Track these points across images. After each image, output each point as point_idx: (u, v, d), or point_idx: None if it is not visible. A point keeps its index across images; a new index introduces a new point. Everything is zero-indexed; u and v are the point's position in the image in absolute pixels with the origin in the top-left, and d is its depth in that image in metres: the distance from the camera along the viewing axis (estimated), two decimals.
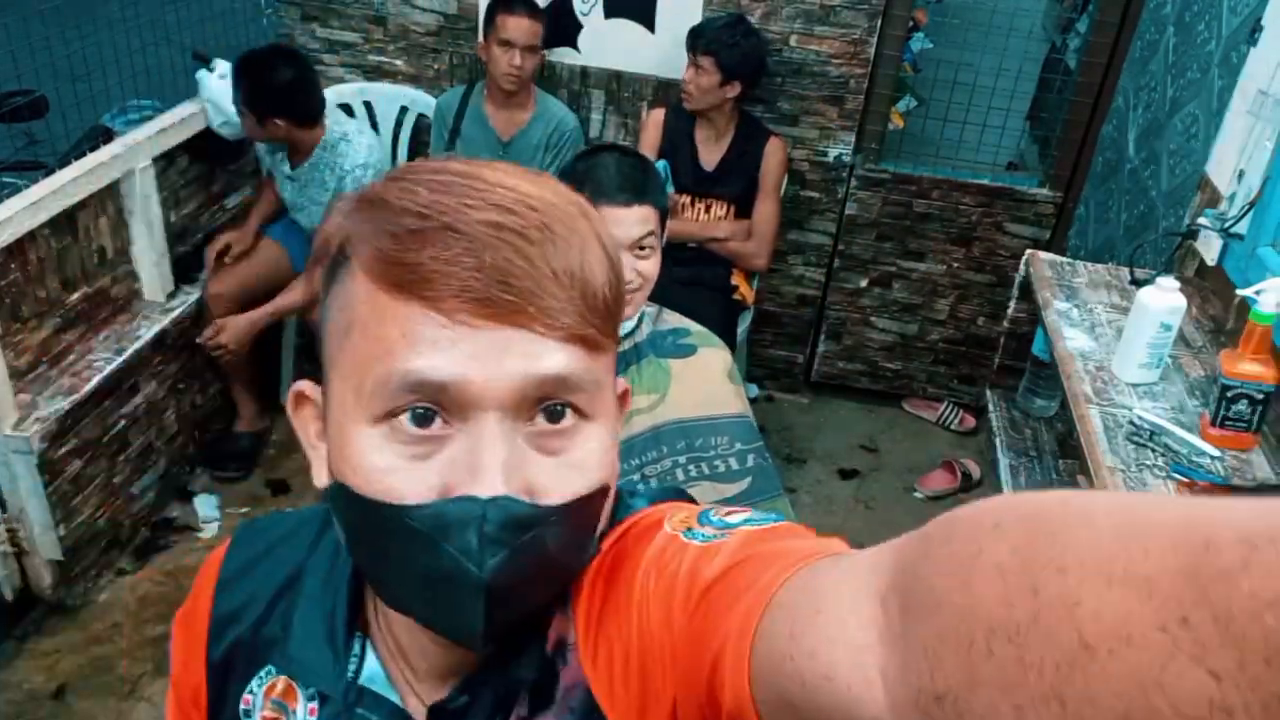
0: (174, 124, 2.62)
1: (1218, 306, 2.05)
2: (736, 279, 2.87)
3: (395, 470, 0.54)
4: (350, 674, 0.66)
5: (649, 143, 2.82)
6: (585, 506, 0.57)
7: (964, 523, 0.36)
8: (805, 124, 3.00)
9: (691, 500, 0.68)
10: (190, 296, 2.69)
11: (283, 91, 2.54)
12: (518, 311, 0.52)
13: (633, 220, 1.49)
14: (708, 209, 2.85)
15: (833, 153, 3.02)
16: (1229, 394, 1.60)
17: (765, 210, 2.79)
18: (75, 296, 2.40)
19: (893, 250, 3.18)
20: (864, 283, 3.24)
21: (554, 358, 0.54)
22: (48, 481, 2.26)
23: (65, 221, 2.32)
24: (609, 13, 2.95)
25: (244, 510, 2.76)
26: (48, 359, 2.34)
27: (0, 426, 2.15)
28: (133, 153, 2.47)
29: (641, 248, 1.50)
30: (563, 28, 2.98)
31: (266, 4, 3.12)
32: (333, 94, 2.94)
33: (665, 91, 2.97)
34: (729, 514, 0.61)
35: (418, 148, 3.16)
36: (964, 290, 3.20)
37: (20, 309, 2.24)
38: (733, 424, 1.63)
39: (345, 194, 0.67)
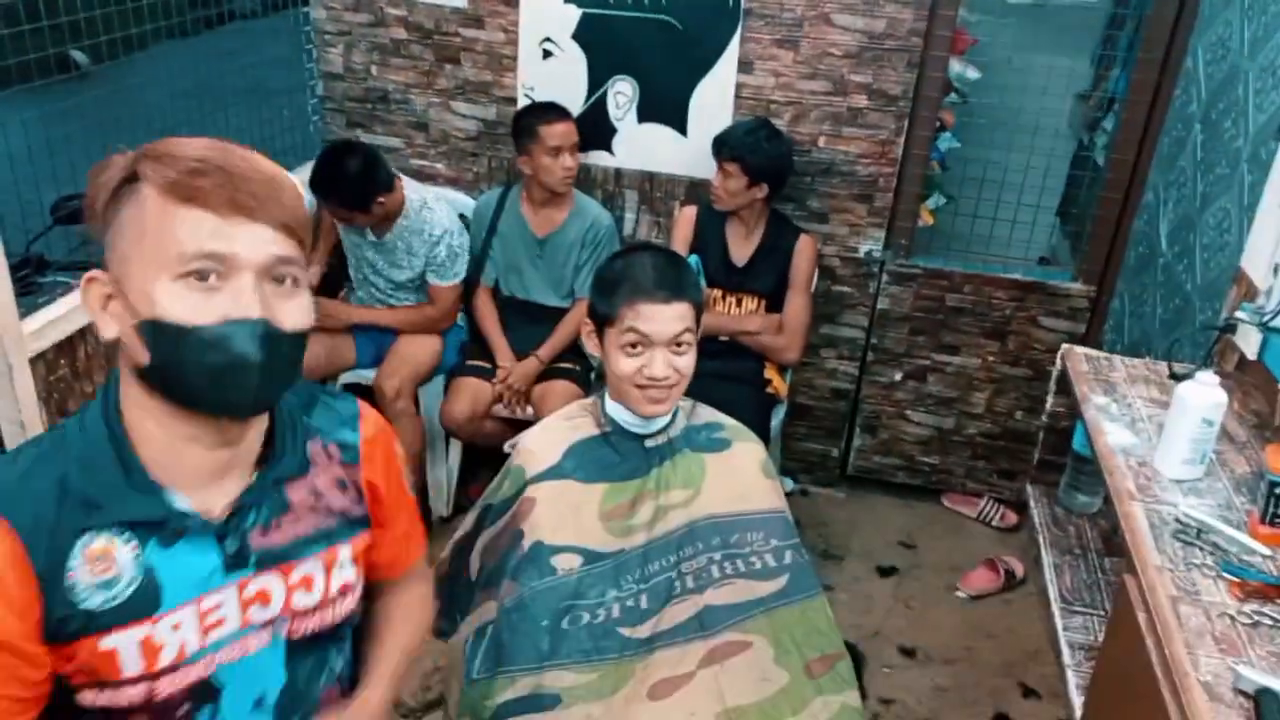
0: None
1: (1260, 401, 2.02)
2: (770, 372, 2.88)
3: (192, 306, 0.93)
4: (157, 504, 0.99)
5: (681, 239, 2.87)
6: (301, 338, 0.99)
7: None
8: (835, 221, 3.05)
9: None
10: None
11: (361, 178, 2.69)
12: (257, 216, 0.95)
13: (670, 317, 1.50)
14: (739, 303, 2.87)
15: (863, 248, 3.06)
16: (1277, 491, 1.56)
17: (796, 305, 2.81)
18: None
19: (926, 344, 3.18)
20: (898, 376, 3.23)
21: (281, 244, 0.97)
22: None
23: None
24: (642, 118, 3.04)
25: None
26: None
27: None
28: None
29: (679, 344, 1.51)
30: (598, 132, 3.07)
31: (314, 110, 3.26)
32: None
33: (696, 191, 3.04)
34: None
35: None
36: (1000, 384, 3.18)
37: (67, 404, 2.28)
38: (768, 520, 1.62)
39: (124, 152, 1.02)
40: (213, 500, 1.03)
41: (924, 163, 3.00)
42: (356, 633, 1.22)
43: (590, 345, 1.59)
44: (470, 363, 2.95)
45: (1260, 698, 1.27)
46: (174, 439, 1.00)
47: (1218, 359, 2.16)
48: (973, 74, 3.08)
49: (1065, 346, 2.24)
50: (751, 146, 2.68)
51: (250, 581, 1.05)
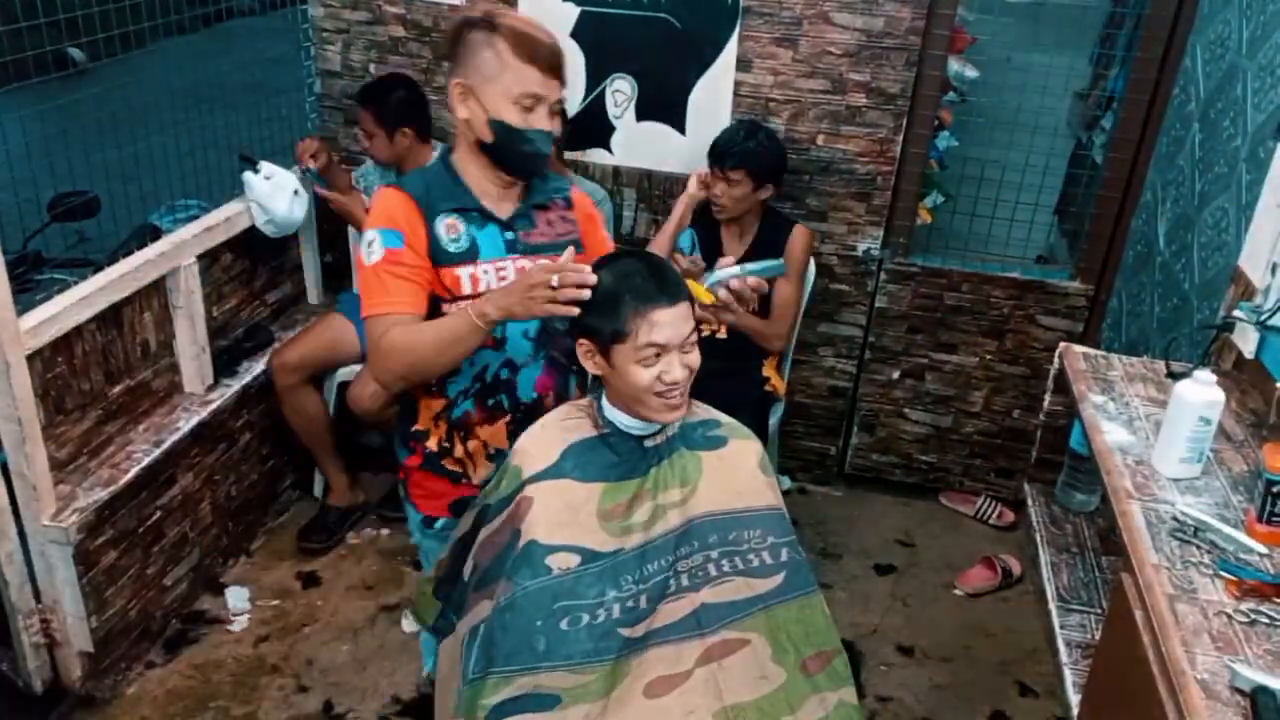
0: (219, 223, 2.71)
1: (1257, 399, 2.02)
2: (768, 371, 2.88)
3: (521, 118, 1.70)
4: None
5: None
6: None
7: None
8: (833, 219, 3.05)
9: None
10: (229, 389, 2.74)
11: (405, 104, 2.85)
12: (558, 75, 1.73)
13: (679, 318, 1.51)
14: None
15: (861, 247, 3.06)
16: (1275, 489, 1.56)
17: (785, 292, 2.80)
18: (118, 389, 2.45)
19: (924, 342, 3.18)
20: (896, 374, 3.23)
21: (561, 91, 1.75)
22: (82, 572, 2.27)
23: (112, 316, 2.38)
24: (640, 116, 3.04)
25: (274, 602, 2.76)
26: (88, 450, 2.38)
27: (39, 517, 2.18)
28: (179, 250, 2.55)
29: (688, 343, 1.52)
30: (597, 130, 3.07)
31: (312, 108, 3.25)
32: None
33: None
34: None
35: None
36: (998, 383, 3.18)
37: (64, 401, 2.28)
38: (765, 517, 1.62)
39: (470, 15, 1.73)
40: (502, 210, 1.80)
41: (922, 161, 3.00)
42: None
43: (591, 365, 1.58)
44: None
45: (1257, 695, 1.27)
46: (485, 178, 1.78)
47: (1215, 358, 2.17)
48: (971, 73, 3.08)
49: (1063, 345, 2.24)
50: (755, 150, 2.67)
51: (520, 259, 1.78)
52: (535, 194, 1.84)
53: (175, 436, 2.52)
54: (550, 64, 1.69)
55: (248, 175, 2.79)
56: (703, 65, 2.94)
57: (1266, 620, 1.42)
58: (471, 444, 1.86)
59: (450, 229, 1.73)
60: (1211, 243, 2.35)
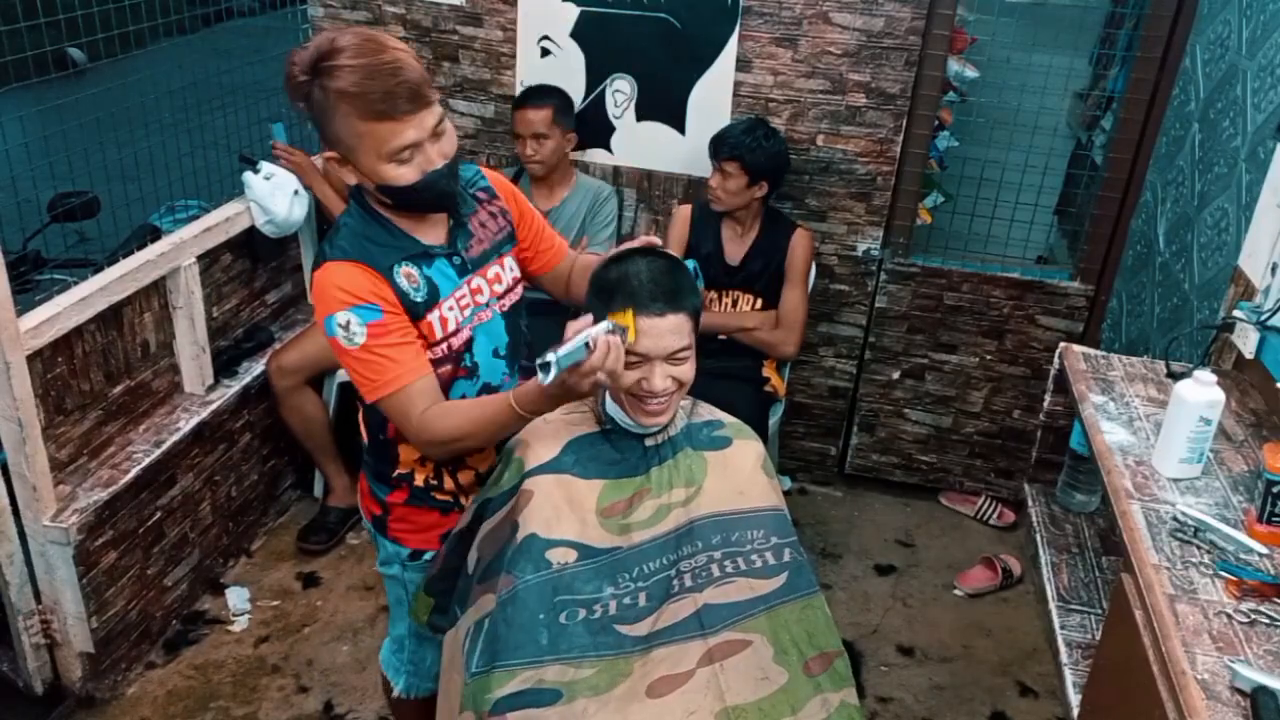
0: (219, 223, 2.71)
1: (1257, 399, 2.02)
2: (768, 370, 2.88)
3: (407, 171, 1.51)
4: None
5: (676, 237, 2.87)
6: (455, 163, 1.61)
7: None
8: (833, 219, 3.05)
9: None
10: (229, 389, 2.74)
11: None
12: (422, 103, 1.49)
13: (667, 330, 1.48)
14: (734, 303, 2.87)
15: (861, 247, 3.06)
16: (1275, 489, 1.57)
17: (792, 299, 2.81)
18: (118, 389, 2.45)
19: (924, 342, 3.18)
20: (896, 375, 3.23)
21: (434, 114, 1.52)
22: (83, 573, 2.27)
23: (112, 316, 2.38)
24: (640, 116, 3.04)
25: (274, 602, 2.75)
26: (88, 451, 2.38)
27: (39, 518, 2.18)
28: (179, 250, 2.55)
29: (677, 356, 1.51)
30: (596, 130, 3.07)
31: None
32: None
33: (694, 189, 3.03)
34: None
35: None
36: (998, 383, 3.19)
37: (64, 402, 2.28)
38: (768, 517, 1.62)
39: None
40: (438, 237, 1.66)
41: (922, 161, 3.00)
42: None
43: None
44: None
45: (1257, 695, 1.27)
46: (408, 217, 1.63)
47: (1215, 358, 2.17)
48: (971, 73, 3.08)
49: (1063, 345, 2.24)
50: (751, 145, 2.68)
51: (472, 279, 1.69)
52: (461, 207, 1.70)
53: (175, 437, 2.52)
54: (404, 101, 1.46)
55: (248, 175, 2.79)
56: (702, 65, 2.94)
57: (1266, 620, 1.42)
58: (463, 476, 1.77)
59: (409, 279, 1.59)
60: (1211, 243, 2.35)
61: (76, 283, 2.29)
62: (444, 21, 3.06)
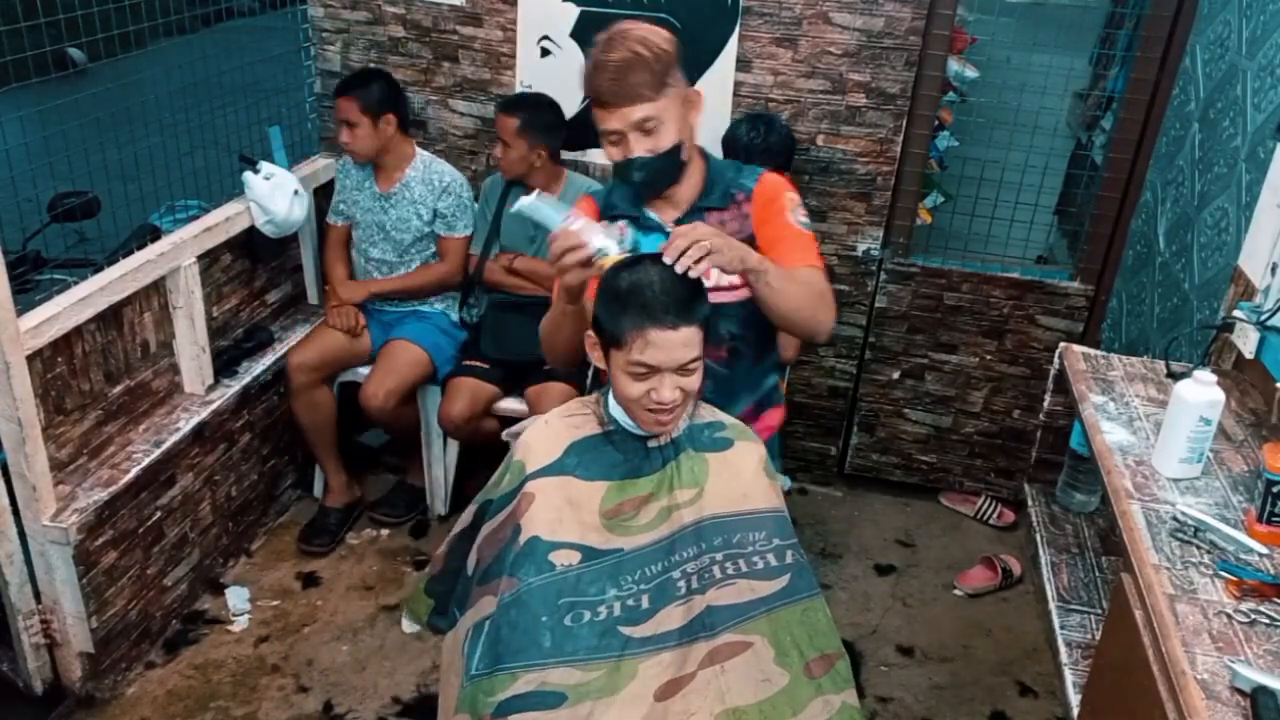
0: (219, 223, 2.71)
1: (1258, 400, 2.02)
2: None
3: (610, 153, 1.80)
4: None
5: None
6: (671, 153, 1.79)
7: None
8: (833, 219, 3.05)
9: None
10: (229, 389, 2.74)
11: (387, 92, 2.90)
12: (622, 102, 1.72)
13: (678, 343, 1.47)
14: None
15: (861, 247, 3.06)
16: (1275, 490, 1.57)
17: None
18: (118, 389, 2.45)
19: (924, 342, 3.18)
20: (896, 375, 3.23)
21: (641, 110, 1.72)
22: (82, 573, 2.27)
23: (112, 316, 2.38)
24: None
25: (274, 602, 2.75)
26: (88, 451, 2.37)
27: (39, 517, 2.18)
28: (178, 250, 2.55)
29: (686, 368, 1.50)
30: (596, 130, 3.05)
31: (311, 108, 3.25)
32: None
33: None
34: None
35: None
36: (998, 383, 3.19)
37: (64, 401, 2.28)
38: (769, 519, 1.61)
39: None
40: (669, 217, 1.81)
41: (922, 161, 3.00)
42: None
43: (594, 357, 1.57)
44: (467, 363, 2.96)
45: (1257, 696, 1.27)
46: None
47: (1215, 358, 2.17)
48: (971, 73, 3.08)
49: (1063, 345, 2.24)
50: (740, 138, 2.71)
51: None
52: (707, 198, 1.84)
53: (175, 437, 2.52)
54: (607, 95, 1.71)
55: (248, 175, 2.79)
56: (702, 65, 2.94)
57: (1266, 620, 1.42)
58: None
59: (620, 231, 1.83)
60: (1211, 243, 2.35)
61: (76, 283, 2.29)
62: (444, 21, 3.06)
